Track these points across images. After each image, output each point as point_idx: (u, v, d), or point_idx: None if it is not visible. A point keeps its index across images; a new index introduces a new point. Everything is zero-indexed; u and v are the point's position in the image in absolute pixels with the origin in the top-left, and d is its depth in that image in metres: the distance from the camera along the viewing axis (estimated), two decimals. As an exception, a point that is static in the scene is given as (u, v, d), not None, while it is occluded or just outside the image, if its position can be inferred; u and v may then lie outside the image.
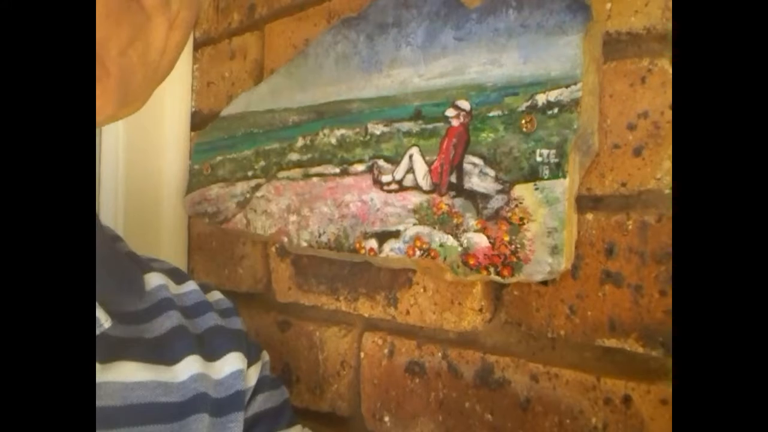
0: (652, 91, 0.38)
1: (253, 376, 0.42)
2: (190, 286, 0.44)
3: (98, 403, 0.32)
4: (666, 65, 0.38)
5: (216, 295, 0.47)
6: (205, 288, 0.46)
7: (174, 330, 0.39)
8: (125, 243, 0.44)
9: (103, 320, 0.33)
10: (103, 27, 0.25)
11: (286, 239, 0.56)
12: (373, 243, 0.48)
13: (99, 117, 0.26)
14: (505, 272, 0.41)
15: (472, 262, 0.42)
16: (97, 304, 0.33)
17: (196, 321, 0.42)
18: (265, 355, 0.46)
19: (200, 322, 0.42)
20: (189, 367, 0.37)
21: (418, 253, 0.45)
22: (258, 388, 0.42)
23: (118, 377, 0.34)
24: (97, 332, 0.33)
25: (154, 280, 0.41)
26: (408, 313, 0.50)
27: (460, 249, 0.43)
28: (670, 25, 0.37)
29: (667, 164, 0.37)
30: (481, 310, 0.46)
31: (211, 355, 0.40)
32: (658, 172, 0.38)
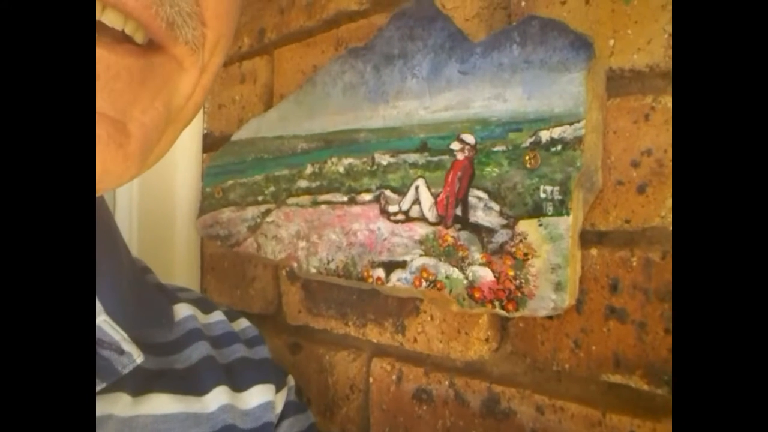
0: (655, 129, 0.38)
1: (279, 402, 0.43)
2: (218, 316, 0.45)
3: None
4: (669, 102, 0.38)
5: (242, 323, 0.48)
6: (231, 315, 0.47)
7: (203, 360, 0.40)
8: (154, 275, 0.45)
9: (136, 356, 0.34)
10: (126, 94, 0.25)
11: (295, 264, 0.56)
12: (380, 272, 0.49)
13: (123, 179, 0.26)
14: (510, 307, 0.41)
15: (477, 295, 0.43)
16: (130, 339, 0.34)
17: (223, 351, 0.43)
18: (291, 380, 0.47)
19: (227, 352, 0.43)
20: (218, 397, 0.38)
21: (424, 284, 0.46)
22: (284, 414, 0.43)
23: (151, 410, 0.35)
24: (130, 368, 0.33)
25: (182, 310, 0.42)
26: (415, 340, 0.51)
27: (465, 282, 0.43)
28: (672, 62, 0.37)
29: (671, 202, 0.37)
30: (487, 339, 0.46)
31: (239, 386, 0.41)
32: (662, 210, 0.38)
